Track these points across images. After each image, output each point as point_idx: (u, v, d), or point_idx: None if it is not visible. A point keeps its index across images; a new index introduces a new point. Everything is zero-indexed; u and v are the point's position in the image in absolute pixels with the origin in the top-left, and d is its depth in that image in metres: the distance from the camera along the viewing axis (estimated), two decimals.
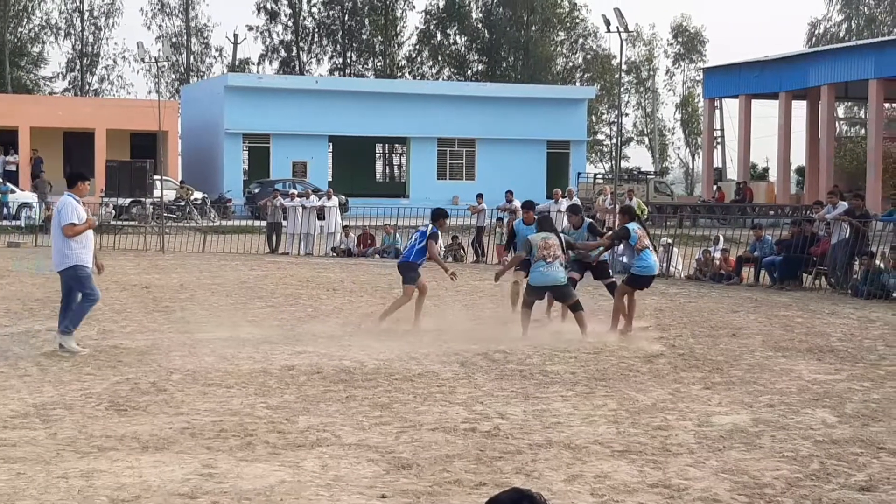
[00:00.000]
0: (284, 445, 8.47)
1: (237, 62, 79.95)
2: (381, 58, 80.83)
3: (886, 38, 57.30)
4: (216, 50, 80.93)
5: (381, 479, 7.57)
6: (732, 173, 59.87)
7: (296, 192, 35.94)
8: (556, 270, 14.43)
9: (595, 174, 57.06)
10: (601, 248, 15.82)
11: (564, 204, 29.87)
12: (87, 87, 76.51)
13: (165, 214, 34.33)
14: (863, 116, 65.91)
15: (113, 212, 39.29)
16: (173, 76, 78.18)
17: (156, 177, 38.32)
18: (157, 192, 37.11)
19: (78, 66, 76.74)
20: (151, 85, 77.43)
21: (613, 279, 16.42)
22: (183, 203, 43.12)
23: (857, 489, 7.44)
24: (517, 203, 29.69)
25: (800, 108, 50.51)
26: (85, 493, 7.14)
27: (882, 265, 20.19)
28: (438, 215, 15.83)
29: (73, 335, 12.86)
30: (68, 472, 7.62)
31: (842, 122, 65.84)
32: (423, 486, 7.42)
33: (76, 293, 12.99)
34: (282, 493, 7.20)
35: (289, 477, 7.59)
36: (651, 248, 14.91)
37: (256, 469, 7.78)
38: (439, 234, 15.81)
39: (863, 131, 62.16)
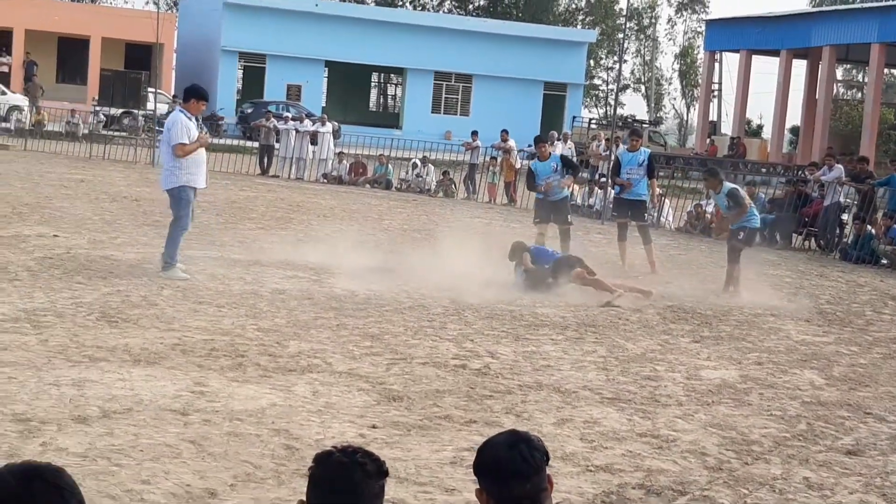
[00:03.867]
0: (275, 369, 8.47)
1: None
2: None
3: (892, 2, 56.97)
4: None
5: (371, 410, 7.59)
6: (726, 128, 59.70)
7: (289, 115, 35.70)
8: None
9: (590, 119, 56.86)
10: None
11: (559, 147, 29.79)
12: None
13: (157, 128, 34.01)
14: (860, 80, 65.70)
15: (104, 119, 39.05)
16: None
17: (149, 89, 37.99)
18: (149, 105, 36.81)
19: None
20: None
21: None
22: None
23: (843, 452, 7.49)
24: (512, 142, 29.59)
25: (799, 67, 50.30)
26: (77, 402, 7.13)
27: (873, 231, 20.21)
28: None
29: (175, 266, 12.28)
30: (59, 379, 7.61)
31: (839, 85, 65.65)
32: (414, 419, 7.43)
33: None
34: (273, 416, 7.21)
35: (280, 401, 7.59)
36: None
37: (248, 390, 7.78)
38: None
39: (859, 95, 62.06)
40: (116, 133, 37.43)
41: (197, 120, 12.93)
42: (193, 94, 12.57)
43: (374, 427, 7.17)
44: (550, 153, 16.68)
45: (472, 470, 3.41)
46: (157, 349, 8.73)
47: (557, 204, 16.33)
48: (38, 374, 7.70)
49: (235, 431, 6.81)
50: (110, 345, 8.73)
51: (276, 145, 31.58)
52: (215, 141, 39.33)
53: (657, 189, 19.96)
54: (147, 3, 74.85)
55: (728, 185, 15.17)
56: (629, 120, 52.61)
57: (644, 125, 52.05)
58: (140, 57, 49.95)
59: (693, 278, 15.96)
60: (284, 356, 8.90)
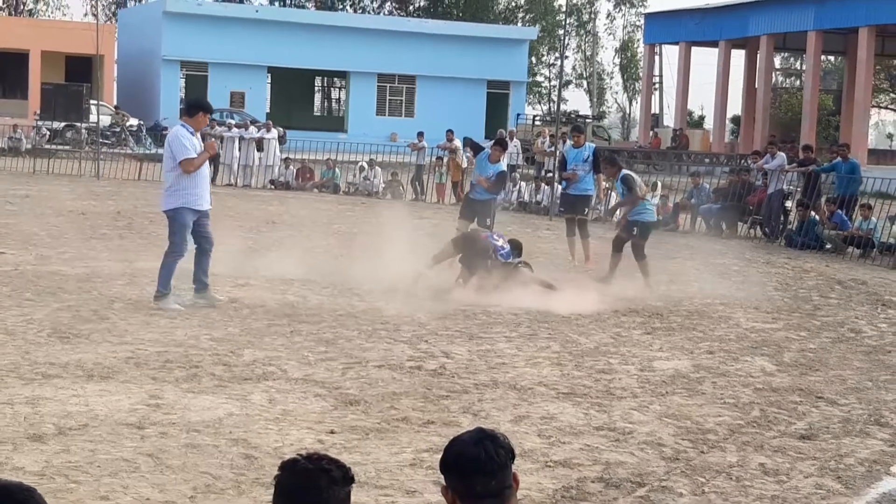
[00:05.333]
0: (230, 378, 8.46)
1: None
2: None
3: None
4: None
5: (329, 415, 7.60)
6: (669, 120, 60.13)
7: (233, 122, 35.52)
8: None
9: (534, 116, 57.05)
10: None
11: (508, 146, 29.85)
12: (22, 7, 74.73)
13: (101, 140, 33.71)
14: (798, 68, 66.40)
15: (47, 134, 38.65)
16: None
17: (91, 101, 37.64)
18: (92, 117, 36.49)
19: None
20: (88, 7, 75.82)
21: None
22: (118, 129, 42.46)
23: (797, 437, 7.60)
24: (458, 142, 29.62)
25: (738, 57, 50.75)
26: (31, 419, 7.09)
27: (817, 216, 20.45)
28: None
29: (167, 295, 11.23)
30: (13, 398, 7.55)
31: (778, 73, 66.32)
32: (372, 422, 7.45)
33: (201, 237, 11.52)
34: (231, 425, 7.20)
35: (237, 410, 7.58)
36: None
37: (203, 401, 7.77)
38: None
39: (798, 82, 62.74)
40: (60, 147, 37.04)
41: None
42: (200, 107, 11.58)
43: (332, 432, 7.18)
44: (500, 161, 16.58)
45: (434, 470, 3.45)
46: (110, 363, 8.68)
47: (484, 203, 16.23)
48: None
49: (193, 443, 6.79)
50: (63, 361, 8.67)
51: (221, 153, 31.37)
52: (161, 151, 39.11)
53: (604, 183, 20.05)
54: (86, 14, 74.18)
55: (625, 171, 15.25)
56: (573, 115, 52.83)
57: (587, 120, 52.34)
58: (81, 69, 49.44)
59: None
60: (239, 365, 8.89)
